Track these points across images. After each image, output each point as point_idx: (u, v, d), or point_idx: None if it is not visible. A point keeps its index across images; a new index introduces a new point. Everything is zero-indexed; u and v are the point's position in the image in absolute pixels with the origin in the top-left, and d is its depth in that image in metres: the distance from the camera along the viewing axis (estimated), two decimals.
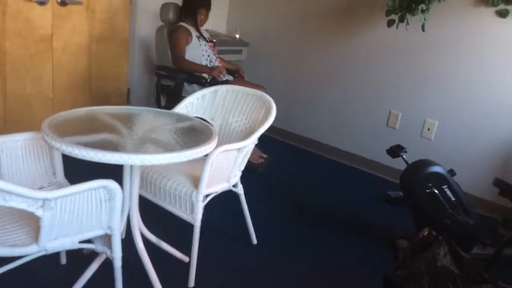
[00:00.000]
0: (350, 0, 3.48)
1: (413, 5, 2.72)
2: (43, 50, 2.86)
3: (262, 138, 3.15)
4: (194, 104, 2.31)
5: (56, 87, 3.01)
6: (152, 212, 1.96)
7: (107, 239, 1.53)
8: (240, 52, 3.98)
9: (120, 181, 1.56)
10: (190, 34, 3.13)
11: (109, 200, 1.41)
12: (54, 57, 2.94)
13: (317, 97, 3.81)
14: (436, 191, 2.22)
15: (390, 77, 3.37)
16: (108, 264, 1.57)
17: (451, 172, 2.31)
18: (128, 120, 1.87)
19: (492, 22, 2.84)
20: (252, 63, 3.96)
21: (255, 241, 2.32)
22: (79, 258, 1.84)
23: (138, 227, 1.81)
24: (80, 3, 2.95)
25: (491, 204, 2.93)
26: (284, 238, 2.46)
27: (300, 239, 2.47)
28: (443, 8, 2.87)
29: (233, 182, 2.06)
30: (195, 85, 3.02)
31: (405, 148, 2.61)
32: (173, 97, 2.96)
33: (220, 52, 3.38)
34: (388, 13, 2.86)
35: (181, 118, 2.02)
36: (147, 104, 3.64)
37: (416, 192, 2.24)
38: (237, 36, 4.00)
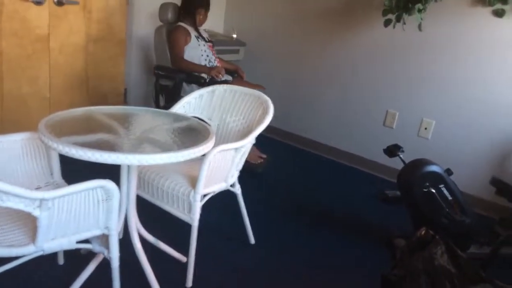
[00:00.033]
0: (347, 0, 3.48)
1: (410, 5, 2.72)
2: (39, 50, 2.85)
3: (260, 138, 3.15)
4: (192, 103, 2.30)
5: (53, 87, 3.00)
6: (149, 212, 1.96)
7: (104, 239, 1.53)
8: (237, 52, 3.98)
9: (117, 181, 1.56)
10: (189, 34, 3.13)
11: (106, 200, 1.41)
12: (51, 57, 2.93)
13: (315, 97, 3.81)
14: (433, 190, 2.22)
15: (387, 76, 3.38)
16: (105, 264, 1.57)
17: (448, 171, 2.31)
18: (125, 120, 1.87)
19: (488, 21, 2.85)
20: (250, 63, 3.95)
21: (253, 240, 2.32)
22: (76, 258, 1.84)
23: (136, 227, 1.81)
24: (77, 3, 2.94)
25: (488, 203, 2.94)
26: (282, 237, 2.46)
27: (298, 238, 2.47)
28: (440, 8, 2.88)
29: (230, 182, 2.06)
30: (194, 85, 3.02)
31: (402, 147, 2.61)
32: (172, 97, 2.95)
33: (217, 52, 3.38)
34: (385, 12, 2.86)
35: (178, 118, 2.01)
36: (145, 104, 3.64)
37: (413, 191, 2.24)
38: (234, 36, 4.00)
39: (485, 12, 2.85)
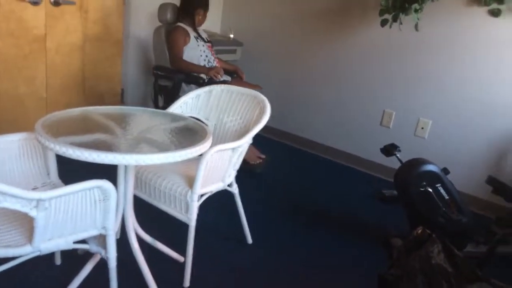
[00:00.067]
0: (344, 0, 3.49)
1: (407, 5, 2.73)
2: (36, 50, 2.85)
3: (258, 138, 3.15)
4: (189, 104, 2.30)
5: (50, 87, 3.00)
6: (147, 212, 1.96)
7: (101, 239, 1.52)
8: (234, 52, 3.98)
9: (114, 181, 1.56)
10: (188, 34, 3.13)
11: (103, 200, 1.41)
12: (48, 57, 2.92)
13: (312, 97, 3.82)
14: (430, 190, 2.23)
15: (384, 76, 3.39)
16: (102, 264, 1.56)
17: (445, 171, 2.32)
18: (122, 120, 1.87)
19: (484, 21, 2.86)
20: (247, 63, 3.95)
21: (250, 240, 2.32)
22: (73, 258, 1.83)
23: (133, 227, 1.81)
24: (73, 3, 2.93)
25: (485, 202, 2.95)
26: (279, 237, 2.46)
27: (295, 238, 2.47)
28: (436, 8, 2.89)
29: (228, 181, 2.06)
30: (192, 86, 3.02)
31: (399, 147, 2.62)
32: (171, 98, 2.95)
33: (215, 52, 3.38)
34: (381, 12, 2.87)
35: (175, 118, 2.01)
36: (142, 104, 3.63)
37: (410, 190, 2.25)
38: (231, 36, 4.00)
39: (481, 11, 2.86)
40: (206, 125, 2.04)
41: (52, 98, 3.02)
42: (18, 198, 1.21)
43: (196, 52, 3.15)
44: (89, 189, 1.35)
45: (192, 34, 3.17)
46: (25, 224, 1.42)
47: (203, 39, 3.25)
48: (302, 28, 3.79)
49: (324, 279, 2.13)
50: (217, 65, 3.23)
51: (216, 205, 2.21)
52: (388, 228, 2.57)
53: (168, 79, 3.05)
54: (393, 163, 2.67)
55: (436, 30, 3.05)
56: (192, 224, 1.83)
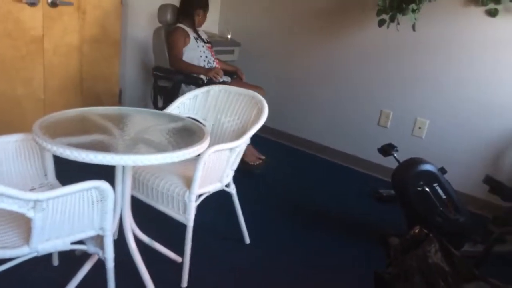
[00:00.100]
0: (341, 0, 3.49)
1: (404, 5, 2.73)
2: (34, 51, 2.84)
3: (255, 139, 3.16)
4: (186, 104, 2.31)
5: (48, 88, 2.99)
6: (144, 213, 1.96)
7: (99, 240, 1.52)
8: (232, 52, 3.98)
9: (112, 181, 1.56)
10: (187, 35, 3.13)
11: (101, 201, 1.41)
12: (45, 58, 2.92)
13: (309, 97, 3.82)
14: (427, 189, 2.24)
15: (381, 76, 3.39)
16: (100, 265, 1.56)
17: (442, 170, 2.33)
18: (119, 121, 1.87)
19: (481, 21, 2.86)
20: (244, 63, 3.95)
21: (248, 240, 2.32)
22: (71, 259, 1.83)
23: (131, 227, 1.81)
24: (71, 4, 2.93)
25: (482, 201, 2.96)
26: (277, 237, 2.46)
27: (293, 238, 2.47)
28: (434, 8, 2.89)
29: (225, 182, 2.06)
30: (192, 87, 3.03)
31: (396, 146, 2.62)
32: (170, 98, 2.95)
33: None
34: (379, 13, 2.87)
35: (173, 118, 2.02)
36: (140, 105, 3.63)
37: (408, 190, 2.26)
38: (229, 36, 4.00)
39: (478, 11, 2.87)
40: (204, 125, 2.04)
41: (50, 99, 3.02)
42: (15, 199, 1.21)
43: (196, 53, 3.16)
44: (86, 190, 1.35)
45: (192, 35, 3.17)
46: (23, 225, 1.42)
47: (203, 40, 3.26)
48: (299, 28, 3.79)
49: (322, 279, 2.13)
50: (217, 66, 3.23)
51: (214, 205, 2.22)
52: (386, 228, 2.58)
53: (167, 80, 3.06)
54: (390, 163, 2.67)
55: (433, 30, 3.06)
56: (190, 224, 1.83)
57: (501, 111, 2.88)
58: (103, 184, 1.37)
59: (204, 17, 3.27)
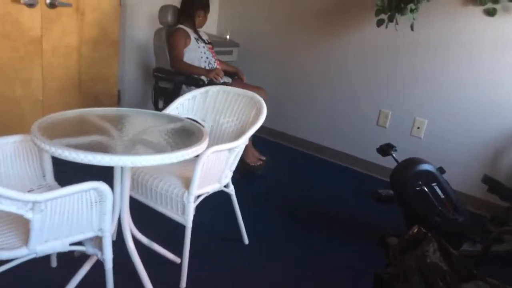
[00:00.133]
0: (339, 0, 3.49)
1: (402, 5, 2.74)
2: (32, 52, 2.84)
3: (255, 139, 3.16)
4: (185, 105, 2.31)
5: (46, 89, 2.99)
6: (143, 214, 1.96)
7: (98, 241, 1.52)
8: (230, 53, 3.98)
9: (110, 182, 1.56)
10: (188, 36, 3.13)
11: (99, 202, 1.41)
12: (44, 59, 2.92)
13: (308, 97, 3.82)
14: (426, 189, 2.24)
15: (380, 76, 3.40)
16: (99, 266, 1.56)
17: (441, 170, 2.33)
18: (118, 122, 1.87)
19: (480, 20, 2.87)
20: (243, 64, 3.95)
21: (246, 241, 2.32)
22: (70, 260, 1.83)
23: (129, 228, 1.81)
24: (70, 5, 2.93)
25: (480, 201, 2.96)
26: (276, 237, 2.46)
27: (291, 238, 2.47)
28: (432, 7, 2.90)
29: (224, 182, 2.06)
30: (193, 88, 3.02)
31: (395, 146, 2.63)
32: (171, 100, 2.94)
33: None
34: (377, 12, 2.88)
35: (172, 119, 2.01)
36: (139, 106, 3.62)
37: (406, 190, 2.26)
38: (228, 36, 4.00)
39: (477, 11, 2.87)
40: (203, 126, 2.04)
41: (48, 100, 3.02)
42: (13, 200, 1.21)
43: (196, 54, 3.16)
44: (85, 191, 1.35)
45: (193, 35, 3.17)
46: (21, 227, 1.42)
47: (203, 41, 3.26)
48: (298, 29, 3.80)
49: (321, 279, 2.14)
50: (217, 67, 3.23)
51: (213, 206, 2.22)
52: (385, 228, 2.58)
53: (168, 81, 3.06)
54: (389, 162, 2.67)
55: (432, 30, 3.06)
56: (189, 225, 1.83)
57: (500, 110, 2.88)
58: (101, 185, 1.37)
59: (205, 18, 3.27)
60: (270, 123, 3.63)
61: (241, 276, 2.09)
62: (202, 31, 3.36)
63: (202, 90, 2.35)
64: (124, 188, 1.73)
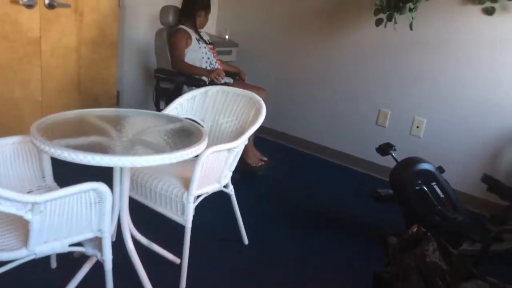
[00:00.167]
0: (338, 0, 3.50)
1: (401, 4, 2.74)
2: (31, 53, 2.84)
3: (256, 140, 3.16)
4: (184, 105, 2.31)
5: (45, 90, 2.99)
6: (142, 214, 1.96)
7: (97, 242, 1.52)
8: (229, 53, 3.98)
9: (110, 183, 1.56)
10: (189, 36, 3.13)
11: (99, 202, 1.41)
12: (43, 60, 2.92)
13: (307, 97, 3.82)
14: (425, 188, 2.24)
15: (379, 75, 3.40)
16: (98, 267, 1.56)
17: (440, 169, 2.33)
18: (117, 122, 1.87)
19: (478, 19, 2.87)
20: (242, 64, 3.95)
21: (246, 241, 2.32)
22: (69, 261, 1.83)
23: (129, 229, 1.81)
24: (68, 6, 2.93)
25: (480, 200, 2.96)
26: (276, 237, 2.46)
27: (291, 238, 2.47)
28: (431, 7, 2.90)
29: (224, 182, 2.06)
30: (194, 88, 3.02)
31: (394, 146, 2.63)
32: (172, 100, 2.94)
33: None
34: (376, 12, 2.88)
35: (171, 119, 2.01)
36: (138, 106, 3.62)
37: (406, 189, 2.26)
38: (227, 36, 4.00)
39: (475, 10, 2.87)
40: (202, 126, 2.04)
41: (48, 101, 3.02)
42: (13, 202, 1.21)
43: (198, 54, 3.16)
44: (84, 191, 1.35)
45: (194, 36, 3.17)
46: (20, 228, 1.42)
47: (205, 41, 3.26)
48: (297, 29, 3.80)
49: (321, 279, 2.14)
50: (219, 67, 3.23)
51: (212, 206, 2.22)
52: (384, 227, 2.58)
53: (169, 82, 3.06)
54: (388, 162, 2.67)
55: (431, 29, 3.06)
56: (188, 225, 1.83)
57: (499, 109, 2.88)
58: (101, 186, 1.36)
59: (206, 18, 3.27)
60: (270, 123, 3.64)
61: (241, 276, 2.09)
62: (203, 31, 3.36)
63: (201, 90, 2.35)
64: (124, 188, 1.73)
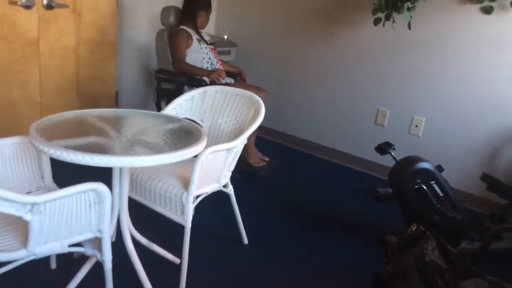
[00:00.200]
0: (337, 0, 3.50)
1: (399, 3, 2.74)
2: (29, 54, 2.84)
3: (256, 140, 3.16)
4: (183, 105, 2.31)
5: (44, 90, 2.99)
6: (142, 214, 1.96)
7: (97, 242, 1.52)
8: (228, 53, 3.98)
9: (109, 183, 1.56)
10: (190, 37, 3.14)
11: (98, 203, 1.41)
12: (41, 60, 2.91)
13: (306, 96, 3.83)
14: (425, 187, 2.24)
15: (377, 75, 3.40)
16: (98, 267, 1.56)
17: (439, 168, 2.33)
18: (116, 123, 1.87)
19: (477, 18, 2.87)
20: (241, 64, 3.95)
21: (246, 241, 2.32)
22: (69, 262, 1.83)
23: (128, 229, 1.81)
24: (67, 6, 2.93)
25: (479, 199, 2.97)
26: (275, 237, 2.47)
27: (291, 237, 2.48)
28: (429, 6, 2.90)
29: (223, 182, 2.06)
30: (195, 89, 3.02)
31: (393, 145, 2.63)
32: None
33: None
34: (374, 11, 2.89)
35: (170, 119, 2.01)
36: (137, 107, 3.62)
37: (405, 188, 2.26)
38: (225, 36, 4.00)
39: (474, 9, 2.88)
40: (201, 126, 2.04)
41: (46, 101, 3.01)
42: (12, 202, 1.21)
43: (199, 55, 3.16)
44: (83, 192, 1.35)
45: (195, 36, 3.17)
46: (20, 228, 1.42)
47: (206, 42, 3.26)
48: (296, 28, 3.80)
49: (321, 279, 2.14)
50: (220, 67, 3.23)
51: (212, 206, 2.22)
52: (384, 226, 2.58)
53: (170, 82, 3.06)
54: (388, 161, 2.68)
55: (429, 28, 3.07)
56: (188, 225, 1.83)
57: (497, 108, 2.89)
58: (100, 186, 1.37)
59: (207, 18, 3.27)
60: (269, 122, 3.63)
61: (241, 276, 2.09)
62: (204, 31, 3.36)
63: (200, 90, 2.35)
64: (123, 189, 1.73)
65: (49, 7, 2.83)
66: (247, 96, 2.24)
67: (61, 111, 1.80)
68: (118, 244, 1.77)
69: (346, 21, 3.48)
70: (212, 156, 1.83)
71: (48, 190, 1.74)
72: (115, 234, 1.96)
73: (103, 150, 1.51)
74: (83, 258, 1.69)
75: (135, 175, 1.94)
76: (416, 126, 3.25)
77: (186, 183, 1.83)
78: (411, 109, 3.27)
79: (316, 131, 3.81)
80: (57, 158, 1.39)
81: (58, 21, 2.92)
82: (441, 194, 2.26)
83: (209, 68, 3.16)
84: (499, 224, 2.36)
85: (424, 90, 3.18)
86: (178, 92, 2.97)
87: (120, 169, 1.68)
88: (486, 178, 2.48)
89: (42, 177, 1.77)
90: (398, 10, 2.77)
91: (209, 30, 4.15)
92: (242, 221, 2.28)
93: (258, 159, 3.20)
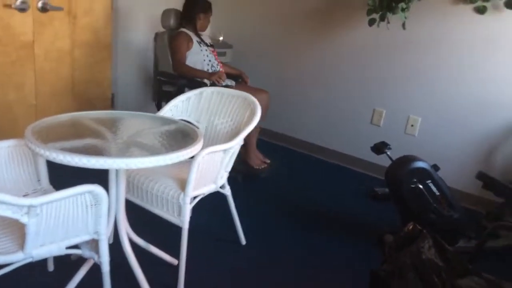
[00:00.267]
0: (331, 1, 3.51)
1: (393, 4, 2.76)
2: (24, 57, 2.83)
3: (258, 142, 3.16)
4: (179, 107, 2.31)
5: (39, 93, 2.98)
6: (139, 216, 1.96)
7: (94, 244, 1.52)
8: (224, 54, 3.98)
9: (106, 185, 1.56)
10: (191, 39, 3.14)
11: (95, 205, 1.41)
12: (36, 63, 2.91)
13: (303, 97, 3.83)
14: (421, 186, 2.25)
15: (373, 75, 3.41)
16: (96, 269, 1.56)
17: (435, 167, 2.34)
18: (112, 125, 1.87)
19: (470, 18, 2.89)
20: (237, 65, 3.94)
21: (244, 241, 2.32)
22: (66, 264, 1.83)
23: (126, 231, 1.81)
24: (61, 8, 2.92)
25: (475, 197, 2.98)
26: (273, 237, 2.47)
27: (289, 238, 2.48)
28: (423, 6, 2.92)
29: (220, 183, 2.06)
30: None
31: (389, 144, 2.64)
32: None
33: None
34: (369, 12, 2.90)
35: (166, 121, 2.01)
36: (133, 109, 3.62)
37: (401, 187, 2.27)
38: (221, 38, 4.00)
39: (467, 9, 2.89)
40: (197, 127, 2.04)
41: (42, 104, 3.00)
42: (8, 205, 1.21)
43: (199, 57, 3.16)
44: (80, 194, 1.35)
45: (195, 39, 3.17)
46: (16, 231, 1.42)
47: (206, 44, 3.26)
48: (291, 29, 3.80)
49: (321, 279, 2.14)
50: (221, 69, 3.24)
51: (209, 207, 2.21)
52: (381, 226, 2.58)
53: (171, 85, 3.06)
54: (384, 161, 2.68)
55: (423, 29, 3.08)
56: (185, 226, 1.83)
57: (493, 107, 2.90)
58: (96, 188, 1.36)
59: (207, 21, 3.27)
60: (265, 123, 3.63)
61: (240, 276, 2.09)
62: (205, 34, 3.36)
63: (196, 91, 2.35)
64: (120, 190, 1.72)
65: (44, 9, 2.82)
66: (243, 97, 2.24)
67: (56, 113, 1.80)
68: (115, 246, 1.76)
69: (341, 22, 3.49)
70: (209, 157, 1.83)
71: (45, 192, 1.74)
72: (112, 236, 1.96)
73: (99, 152, 1.51)
74: (81, 260, 1.69)
75: (132, 177, 1.94)
76: (412, 125, 3.27)
77: (183, 185, 1.83)
78: (406, 109, 3.28)
79: (312, 131, 3.82)
80: (53, 161, 1.39)
81: (53, 24, 2.92)
82: (437, 193, 2.27)
83: (210, 70, 3.16)
84: (495, 222, 2.36)
85: (420, 89, 3.19)
86: (178, 94, 2.97)
87: (117, 171, 1.68)
88: (482, 176, 2.49)
89: (39, 180, 1.76)
90: (393, 10, 2.78)
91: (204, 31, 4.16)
92: (242, 221, 2.28)
93: (259, 161, 3.21)
